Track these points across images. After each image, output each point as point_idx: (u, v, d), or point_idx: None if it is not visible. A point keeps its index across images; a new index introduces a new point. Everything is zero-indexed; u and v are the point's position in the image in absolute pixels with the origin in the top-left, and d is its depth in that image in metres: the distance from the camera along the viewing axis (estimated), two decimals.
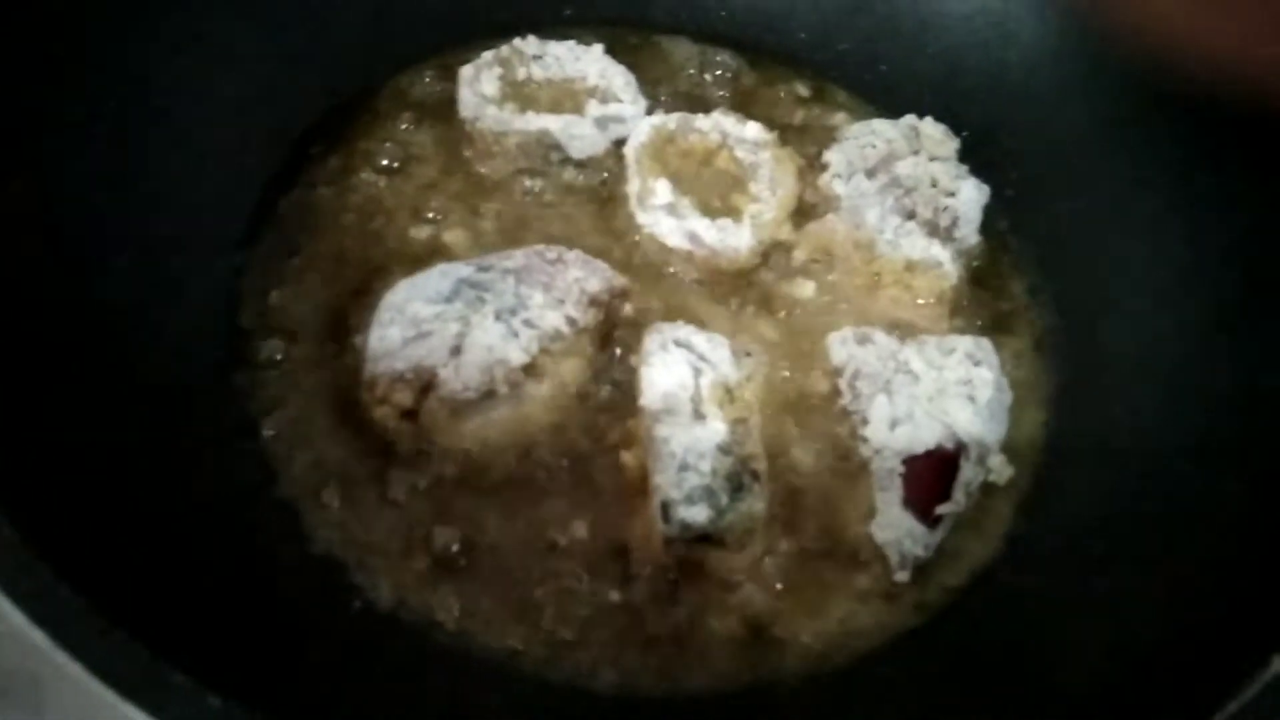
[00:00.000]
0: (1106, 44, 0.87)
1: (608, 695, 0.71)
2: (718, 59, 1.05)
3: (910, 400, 0.78)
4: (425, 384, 0.75)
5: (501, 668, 0.71)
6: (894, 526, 0.76)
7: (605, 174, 0.94)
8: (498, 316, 0.77)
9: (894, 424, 0.77)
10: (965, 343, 0.82)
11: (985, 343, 0.83)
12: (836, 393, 0.82)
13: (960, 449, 0.77)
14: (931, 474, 0.76)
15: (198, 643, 0.52)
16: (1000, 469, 0.79)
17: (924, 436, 0.77)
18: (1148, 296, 0.88)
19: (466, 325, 0.77)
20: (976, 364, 0.81)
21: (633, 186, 0.90)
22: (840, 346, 0.83)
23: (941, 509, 0.76)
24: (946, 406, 0.78)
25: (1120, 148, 0.94)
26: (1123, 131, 0.93)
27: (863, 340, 0.83)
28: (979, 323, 0.91)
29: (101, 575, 0.52)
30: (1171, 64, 0.77)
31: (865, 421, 0.79)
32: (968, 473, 0.77)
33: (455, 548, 0.75)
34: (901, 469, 0.77)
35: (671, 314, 0.86)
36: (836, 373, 0.83)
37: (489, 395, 0.76)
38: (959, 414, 0.78)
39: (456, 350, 0.76)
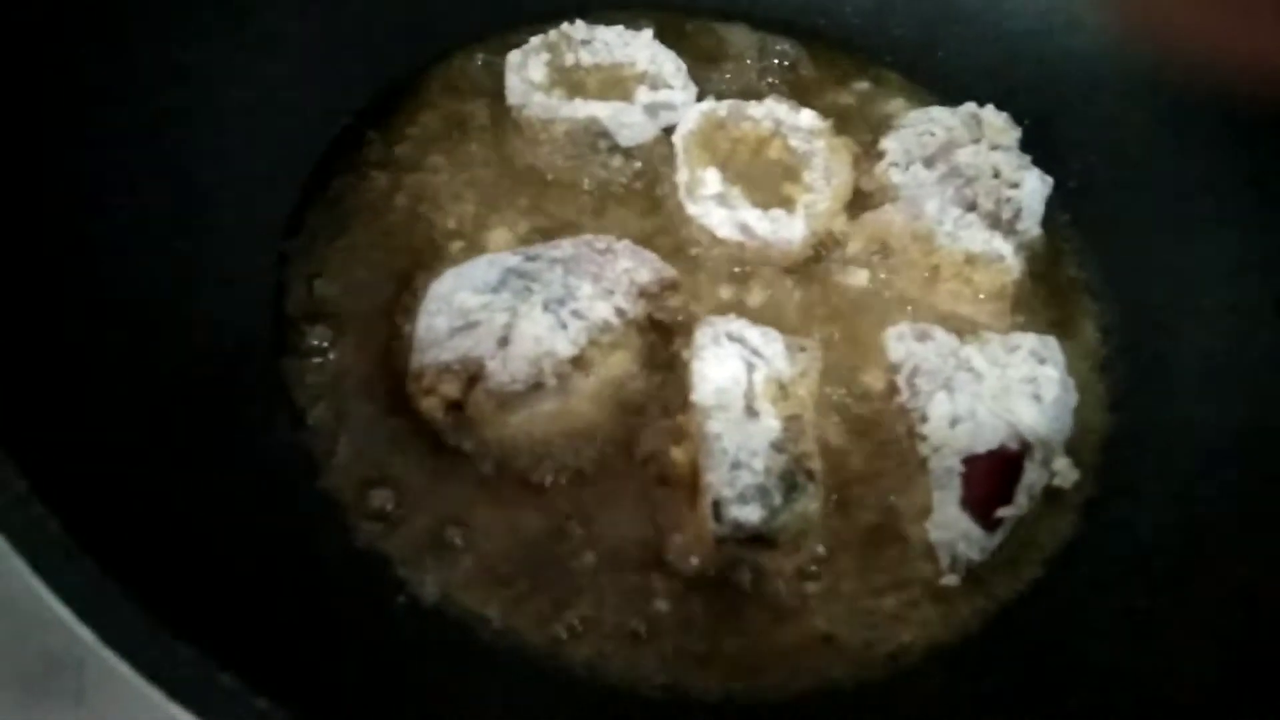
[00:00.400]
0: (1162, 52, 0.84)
1: (656, 698, 0.69)
2: (778, 47, 1.02)
3: (973, 398, 0.76)
4: (473, 375, 0.74)
5: (547, 666, 0.70)
6: (950, 527, 0.74)
7: (655, 162, 0.91)
8: (546, 307, 0.76)
9: (955, 422, 0.75)
10: (1030, 340, 0.80)
11: (1051, 340, 0.80)
12: (894, 389, 0.80)
13: (1025, 449, 0.74)
14: (993, 475, 0.74)
15: (241, 641, 0.51)
16: (1066, 472, 0.76)
17: (986, 436, 0.74)
18: (1214, 294, 0.85)
19: (514, 316, 0.75)
20: (1042, 362, 0.78)
21: (681, 176, 0.88)
22: (898, 342, 0.81)
23: (1002, 512, 0.74)
24: (1011, 405, 0.75)
25: (1187, 140, 0.90)
26: (1190, 124, 0.90)
27: (922, 336, 0.80)
28: (1039, 319, 0.87)
29: (146, 570, 0.51)
30: (1230, 78, 0.75)
31: (924, 419, 0.76)
32: (1031, 475, 0.74)
33: (501, 543, 0.73)
34: (961, 468, 0.74)
35: (723, 307, 0.84)
36: (894, 369, 0.80)
37: (536, 387, 0.74)
38: (1024, 413, 0.75)
39: (504, 341, 0.74)
